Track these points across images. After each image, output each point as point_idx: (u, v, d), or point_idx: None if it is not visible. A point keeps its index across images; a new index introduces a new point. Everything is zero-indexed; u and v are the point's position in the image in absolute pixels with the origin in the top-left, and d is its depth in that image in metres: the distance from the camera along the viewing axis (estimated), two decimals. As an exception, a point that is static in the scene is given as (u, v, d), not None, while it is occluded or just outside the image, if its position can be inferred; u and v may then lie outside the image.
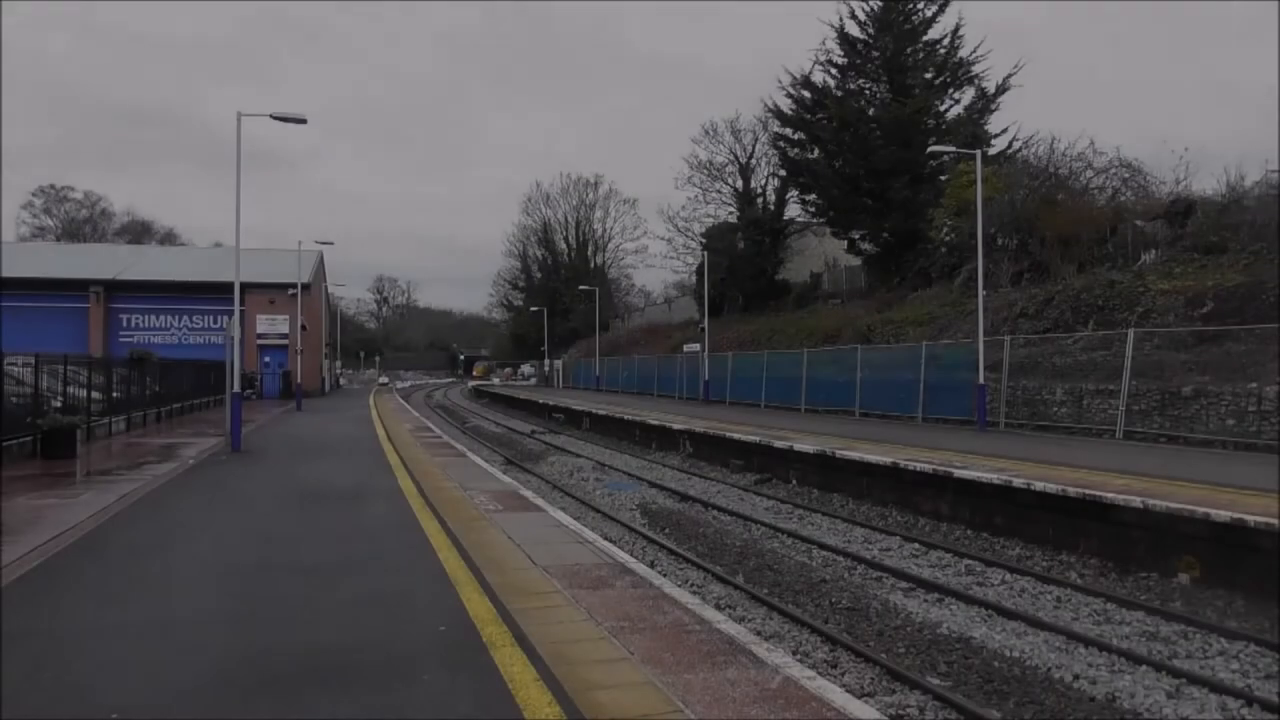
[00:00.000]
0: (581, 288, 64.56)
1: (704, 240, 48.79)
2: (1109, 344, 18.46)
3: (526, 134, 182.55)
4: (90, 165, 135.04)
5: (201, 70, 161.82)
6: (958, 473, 12.14)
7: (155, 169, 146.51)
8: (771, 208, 47.46)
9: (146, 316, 43.10)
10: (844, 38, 36.02)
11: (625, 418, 27.22)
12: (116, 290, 42.09)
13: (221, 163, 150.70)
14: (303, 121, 18.01)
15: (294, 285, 40.13)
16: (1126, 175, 25.80)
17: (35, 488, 11.39)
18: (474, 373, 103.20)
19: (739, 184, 50.37)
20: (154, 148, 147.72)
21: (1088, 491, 10.12)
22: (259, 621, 5.40)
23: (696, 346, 39.42)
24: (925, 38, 34.98)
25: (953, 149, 25.22)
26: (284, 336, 42.46)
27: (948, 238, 29.70)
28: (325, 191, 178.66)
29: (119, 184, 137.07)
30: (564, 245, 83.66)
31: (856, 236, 36.81)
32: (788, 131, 40.34)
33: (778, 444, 17.06)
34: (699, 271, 44.59)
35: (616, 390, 49.35)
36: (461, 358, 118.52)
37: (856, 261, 38.64)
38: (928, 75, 34.63)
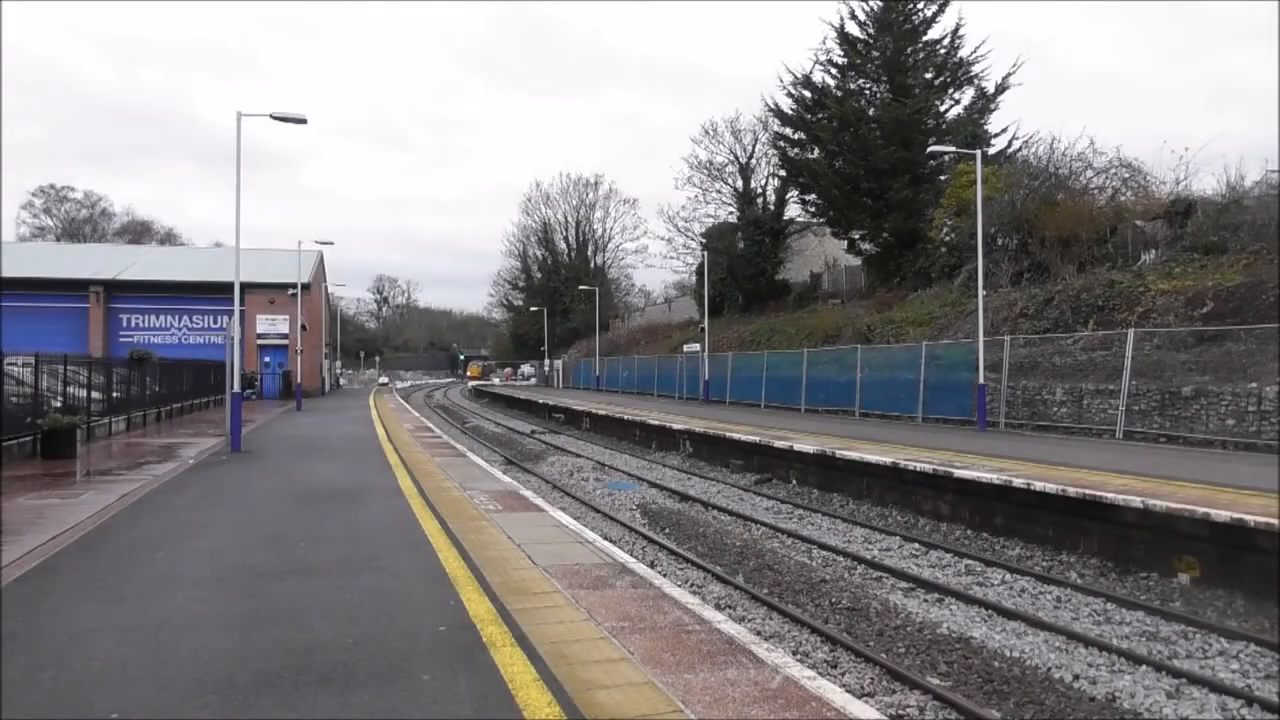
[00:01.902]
0: (581, 288, 64.62)
1: (704, 240, 48.82)
2: (1109, 344, 18.46)
3: (526, 134, 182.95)
4: (86, 165, 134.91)
5: (197, 69, 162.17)
6: (958, 472, 12.14)
7: (151, 168, 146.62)
8: (771, 208, 47.47)
9: (146, 316, 43.07)
10: (844, 37, 36.05)
11: (625, 418, 27.22)
12: (116, 290, 42.06)
13: (218, 162, 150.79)
14: (303, 121, 18.02)
15: (294, 285, 40.13)
16: (1126, 175, 25.84)
17: (35, 488, 11.39)
18: (468, 373, 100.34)
19: (739, 184, 50.40)
20: (149, 147, 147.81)
21: (1088, 491, 10.12)
22: (259, 621, 5.40)
23: (696, 346, 39.42)
24: (925, 38, 35.00)
25: (953, 149, 25.24)
26: (284, 336, 42.47)
27: (948, 238, 29.72)
28: (325, 191, 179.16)
29: (115, 184, 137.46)
30: (564, 245, 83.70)
31: (856, 236, 36.83)
32: (788, 131, 40.37)
33: (778, 444, 17.06)
34: (699, 271, 44.60)
35: (616, 390, 49.35)
36: (462, 358, 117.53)
37: (856, 261, 38.66)
38: (928, 75, 34.64)
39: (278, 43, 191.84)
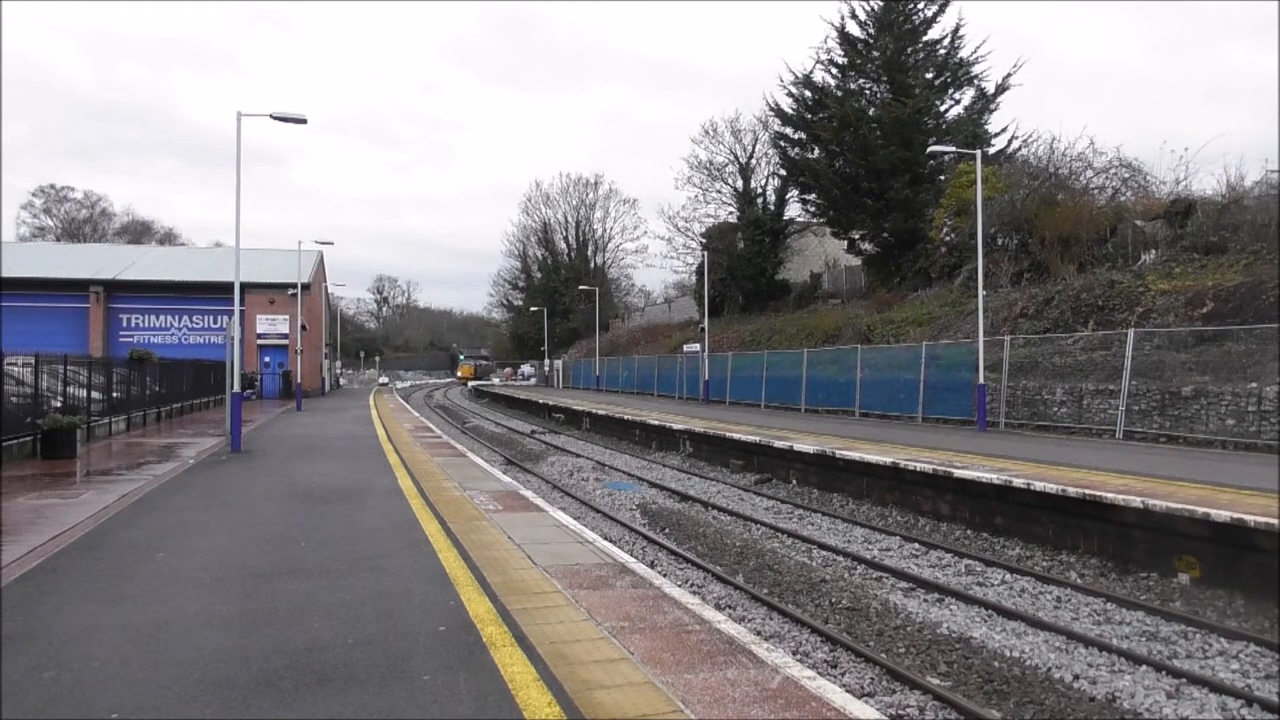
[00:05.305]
0: (581, 288, 64.62)
1: (704, 240, 48.82)
2: (1109, 344, 18.46)
3: (516, 132, 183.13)
4: (71, 163, 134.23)
5: (178, 65, 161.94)
6: (958, 473, 12.14)
7: (135, 166, 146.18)
8: (771, 208, 47.46)
9: (146, 316, 43.06)
10: (844, 37, 36.07)
11: (625, 418, 27.22)
12: (116, 290, 42.05)
13: (204, 159, 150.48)
14: (303, 121, 18.00)
15: (294, 285, 40.13)
16: (1126, 175, 25.86)
17: (35, 488, 11.39)
18: (460, 373, 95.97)
19: (739, 184, 50.39)
20: (133, 144, 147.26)
21: (1088, 491, 10.12)
22: (259, 622, 5.40)
23: (696, 346, 39.42)
24: (925, 38, 35.01)
25: (953, 149, 25.23)
26: (284, 336, 42.45)
27: (948, 238, 29.73)
28: (314, 189, 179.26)
29: (100, 181, 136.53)
30: (564, 245, 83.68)
31: (856, 236, 36.84)
32: (788, 131, 40.38)
33: (778, 444, 17.06)
34: (699, 271, 44.60)
35: (616, 390, 49.35)
36: (461, 358, 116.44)
37: (856, 261, 38.66)
38: (928, 75, 34.65)
39: (259, 38, 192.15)
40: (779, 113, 39.98)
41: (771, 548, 11.24)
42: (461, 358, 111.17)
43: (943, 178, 31.88)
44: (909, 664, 6.94)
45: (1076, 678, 6.60)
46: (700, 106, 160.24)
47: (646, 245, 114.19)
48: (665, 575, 9.33)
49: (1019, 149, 32.44)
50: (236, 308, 18.58)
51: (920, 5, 34.71)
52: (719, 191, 51.78)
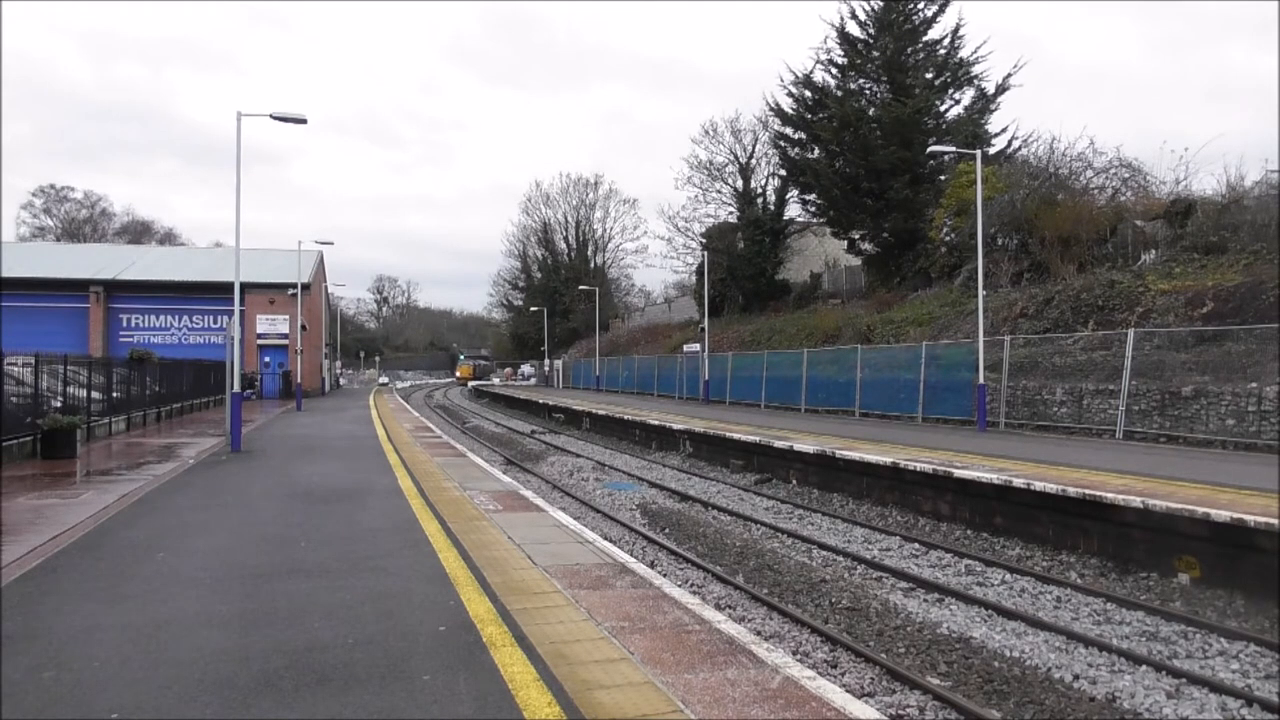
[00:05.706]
0: (581, 288, 64.64)
1: (704, 240, 48.82)
2: (1109, 344, 18.46)
3: (515, 132, 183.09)
4: (69, 163, 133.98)
5: (177, 65, 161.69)
6: (958, 473, 12.14)
7: (135, 166, 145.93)
8: (771, 208, 47.46)
9: (146, 316, 43.05)
10: (844, 37, 36.07)
11: (625, 418, 27.22)
12: (116, 290, 42.05)
13: (204, 159, 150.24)
14: (303, 121, 18.00)
15: (294, 285, 40.13)
16: (1126, 175, 25.87)
17: (35, 488, 11.39)
18: (459, 373, 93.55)
19: (739, 184, 50.37)
20: (132, 144, 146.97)
21: (1088, 491, 10.13)
22: (259, 621, 5.40)
23: (696, 346, 39.42)
24: (925, 38, 35.01)
25: (953, 149, 25.23)
26: (284, 336, 42.45)
27: (948, 238, 29.73)
28: (314, 189, 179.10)
29: (99, 181, 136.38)
30: (564, 245, 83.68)
31: (856, 236, 36.85)
32: (788, 131, 40.40)
33: (778, 444, 17.06)
34: (699, 271, 44.60)
35: (616, 390, 49.35)
36: (461, 358, 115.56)
37: (856, 261, 38.67)
38: (928, 75, 34.65)
39: (259, 38, 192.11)
40: (779, 113, 40.00)
41: (771, 548, 11.24)
42: (461, 358, 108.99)
43: (943, 178, 31.88)
44: (909, 664, 6.94)
45: (1076, 678, 6.60)
46: (700, 106, 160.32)
47: (646, 245, 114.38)
48: (665, 575, 9.34)
49: (1019, 149, 32.46)
50: (236, 308, 18.57)
51: (920, 5, 34.71)
52: (719, 191, 51.82)
